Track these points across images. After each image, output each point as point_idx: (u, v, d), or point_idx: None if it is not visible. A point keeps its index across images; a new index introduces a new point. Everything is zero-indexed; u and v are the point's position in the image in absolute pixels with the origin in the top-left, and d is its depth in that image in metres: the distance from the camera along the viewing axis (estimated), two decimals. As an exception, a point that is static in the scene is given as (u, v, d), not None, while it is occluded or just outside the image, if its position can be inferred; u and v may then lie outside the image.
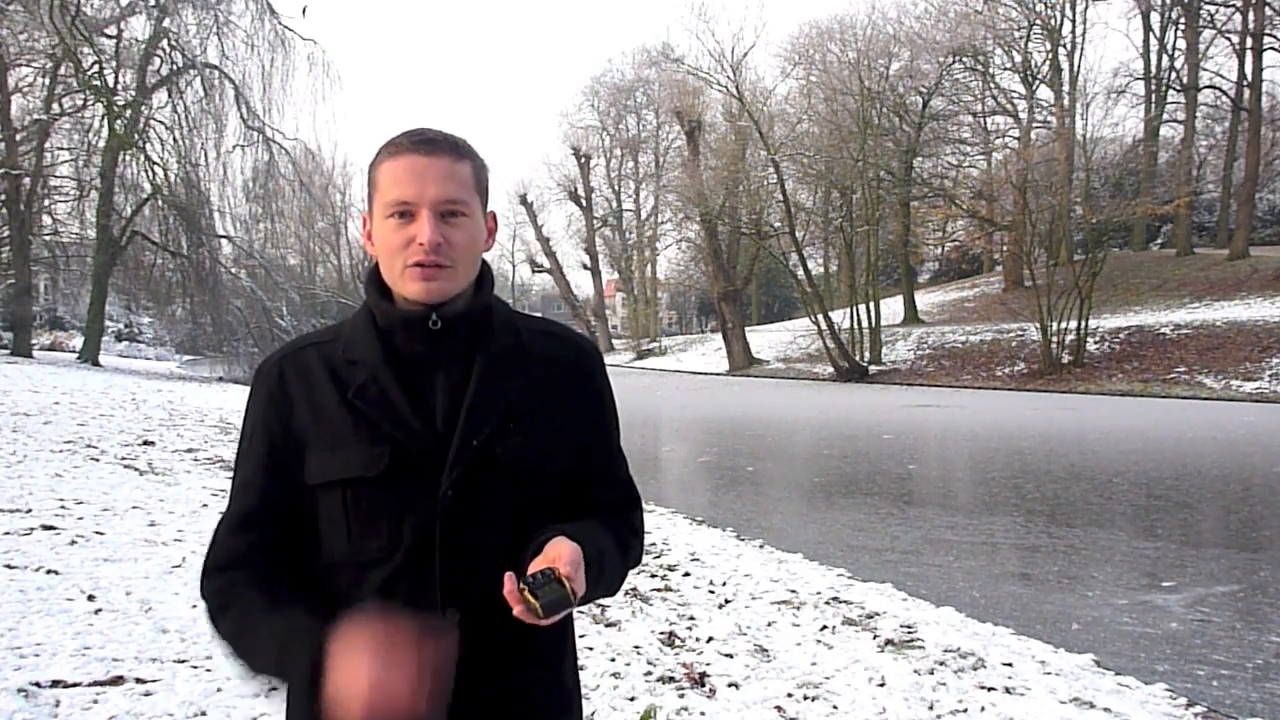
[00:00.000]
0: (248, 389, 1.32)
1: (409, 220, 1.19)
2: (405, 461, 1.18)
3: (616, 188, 58.58)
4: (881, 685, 3.84)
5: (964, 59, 34.84)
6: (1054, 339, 25.37)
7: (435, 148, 1.20)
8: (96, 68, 22.76)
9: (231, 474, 1.29)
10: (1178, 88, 37.10)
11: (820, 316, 30.68)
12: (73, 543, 5.56)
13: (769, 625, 4.69)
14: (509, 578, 1.09)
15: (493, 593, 1.21)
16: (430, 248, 1.17)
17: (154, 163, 23.90)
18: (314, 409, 1.22)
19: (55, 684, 3.38)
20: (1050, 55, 34.39)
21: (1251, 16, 32.78)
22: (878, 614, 4.93)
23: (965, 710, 3.60)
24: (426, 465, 1.18)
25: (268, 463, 1.23)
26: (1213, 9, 35.66)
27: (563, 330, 1.36)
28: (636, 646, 4.24)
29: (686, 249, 51.44)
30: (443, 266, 1.19)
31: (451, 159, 1.21)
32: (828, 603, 5.15)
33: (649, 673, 3.90)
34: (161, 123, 24.89)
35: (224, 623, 1.19)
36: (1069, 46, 35.50)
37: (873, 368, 30.82)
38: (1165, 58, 37.91)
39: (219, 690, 3.43)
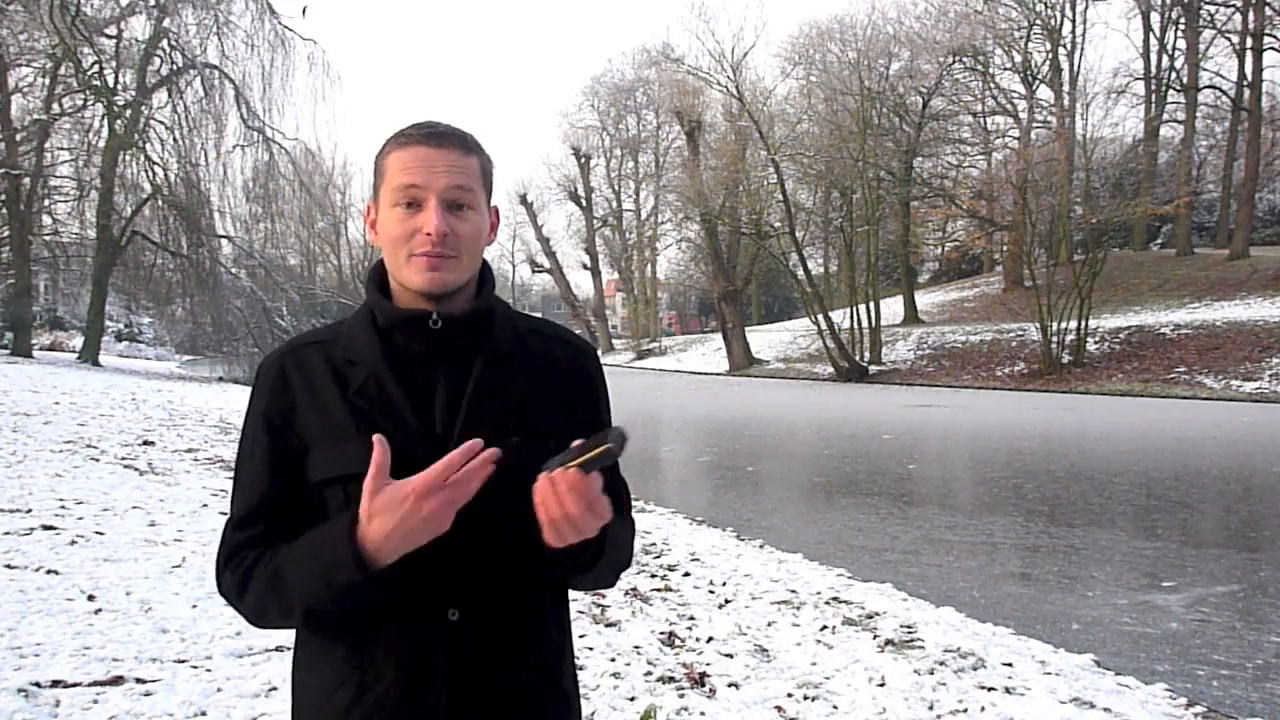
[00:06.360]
0: (249, 389, 1.32)
1: (416, 210, 1.20)
2: (406, 460, 1.17)
3: (616, 188, 58.60)
4: (881, 685, 3.84)
5: (964, 59, 34.84)
6: (1054, 339, 25.36)
7: (445, 140, 1.22)
8: (96, 68, 22.75)
9: (234, 473, 1.29)
10: (1178, 88, 37.10)
11: (820, 316, 30.67)
12: (73, 543, 5.56)
13: (769, 625, 4.69)
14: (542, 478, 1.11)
15: (493, 593, 1.21)
16: (437, 237, 1.18)
17: (154, 163, 23.91)
18: (316, 406, 1.23)
19: (55, 684, 3.39)
20: (1050, 55, 34.38)
21: (1251, 16, 32.76)
22: (878, 614, 4.93)
23: (965, 710, 3.60)
24: (426, 465, 1.18)
25: (271, 459, 1.23)
26: (1213, 9, 35.68)
27: (561, 331, 1.37)
28: (636, 646, 4.23)
29: (686, 249, 51.43)
30: (447, 257, 1.20)
31: (460, 152, 1.22)
32: (828, 603, 5.15)
33: (649, 673, 3.90)
34: (161, 123, 24.88)
35: (250, 594, 1.19)
36: (1069, 46, 35.55)
37: (873, 368, 30.80)
38: (1165, 58, 37.96)
39: (219, 690, 3.43)
